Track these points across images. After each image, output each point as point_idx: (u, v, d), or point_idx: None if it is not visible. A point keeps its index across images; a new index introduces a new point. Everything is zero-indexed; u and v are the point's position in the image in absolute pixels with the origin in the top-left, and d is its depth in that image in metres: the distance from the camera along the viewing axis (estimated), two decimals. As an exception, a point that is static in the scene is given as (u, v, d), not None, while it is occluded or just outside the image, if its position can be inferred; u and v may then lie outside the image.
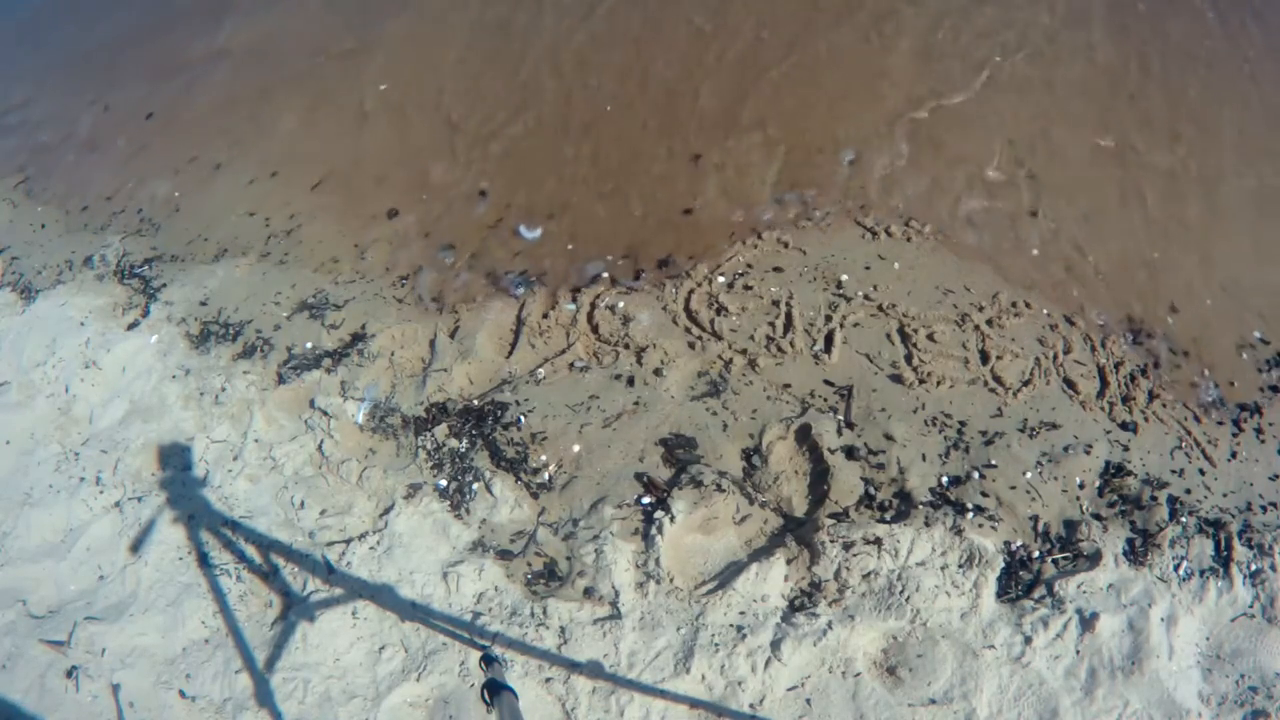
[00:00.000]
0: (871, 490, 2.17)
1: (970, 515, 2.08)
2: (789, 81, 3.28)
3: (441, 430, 2.45)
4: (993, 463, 2.18)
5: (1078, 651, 1.88)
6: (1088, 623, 1.90)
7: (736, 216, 2.89)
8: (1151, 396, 2.33)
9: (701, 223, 2.89)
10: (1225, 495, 2.14)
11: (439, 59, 3.84)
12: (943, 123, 3.06)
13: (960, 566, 2.00)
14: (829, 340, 2.48)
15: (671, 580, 2.07)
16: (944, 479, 2.17)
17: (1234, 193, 2.84)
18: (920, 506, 2.11)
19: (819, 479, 2.22)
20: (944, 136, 3.01)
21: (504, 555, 2.19)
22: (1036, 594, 1.97)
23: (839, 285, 2.62)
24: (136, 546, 2.37)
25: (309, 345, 2.81)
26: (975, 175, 2.90)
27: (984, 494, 2.12)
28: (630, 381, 2.48)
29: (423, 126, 3.58)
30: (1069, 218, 2.77)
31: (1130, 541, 2.04)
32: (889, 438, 2.25)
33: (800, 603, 2.01)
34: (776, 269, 2.69)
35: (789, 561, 2.07)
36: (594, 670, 1.93)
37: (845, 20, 3.46)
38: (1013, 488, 2.13)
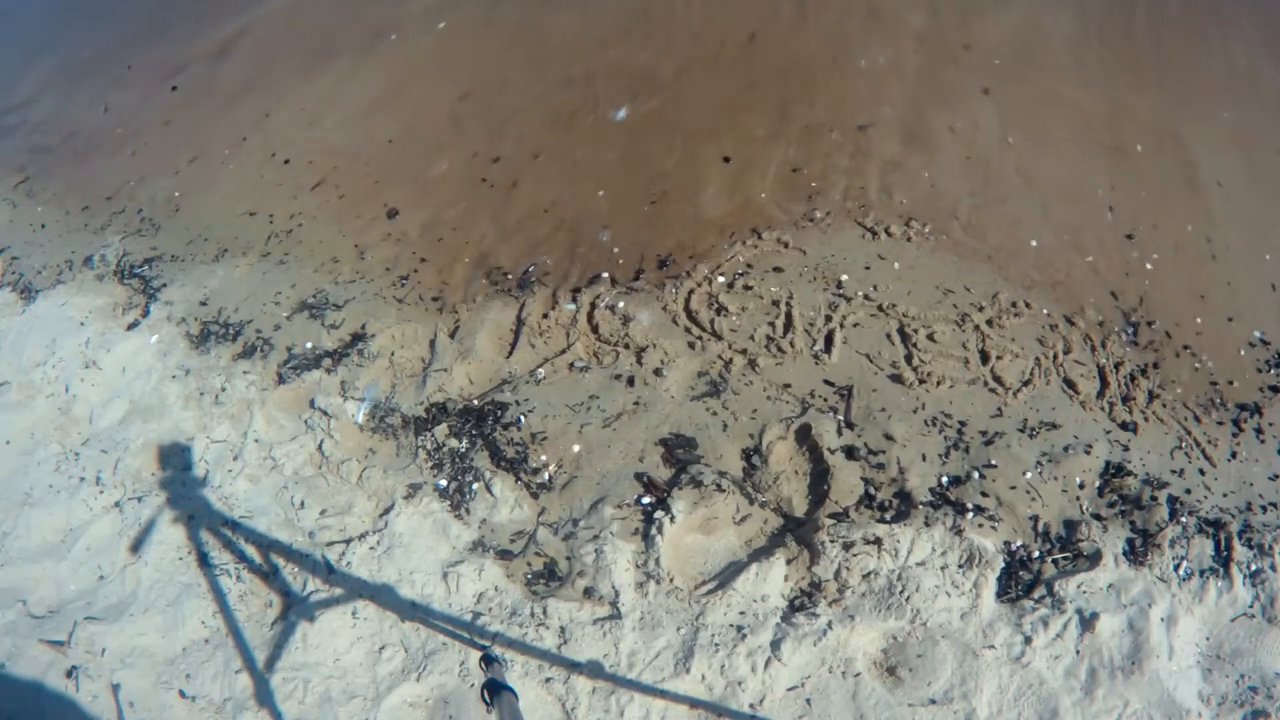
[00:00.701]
0: (871, 490, 2.17)
1: (970, 515, 2.08)
2: (787, 77, 3.28)
3: (441, 430, 2.45)
4: (993, 463, 2.18)
5: (1078, 651, 1.88)
6: (1088, 623, 1.90)
7: (736, 215, 2.89)
8: (1151, 396, 2.33)
9: (702, 221, 2.90)
10: (1225, 495, 2.13)
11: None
12: (943, 120, 3.06)
13: (960, 566, 2.00)
14: (829, 340, 2.48)
15: (671, 580, 2.07)
16: (944, 479, 2.17)
17: (1234, 188, 2.84)
18: (920, 506, 2.11)
19: (819, 479, 2.22)
20: (944, 134, 3.02)
21: (504, 555, 2.19)
22: (1036, 594, 1.97)
23: (839, 285, 2.62)
24: (136, 546, 2.37)
25: (309, 345, 2.81)
26: (975, 174, 2.90)
27: (984, 494, 2.12)
28: (630, 381, 2.48)
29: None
30: (1068, 216, 2.77)
31: (1130, 541, 2.04)
32: (889, 438, 2.25)
33: (800, 603, 2.00)
34: (776, 269, 2.69)
35: (789, 561, 2.07)
36: (594, 670, 1.93)
37: (841, 16, 3.47)
38: (1013, 488, 2.13)
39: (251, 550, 2.31)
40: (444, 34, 3.98)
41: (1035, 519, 2.09)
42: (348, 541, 2.26)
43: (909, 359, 2.42)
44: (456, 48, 3.91)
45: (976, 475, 2.16)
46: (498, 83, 3.63)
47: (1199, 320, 2.51)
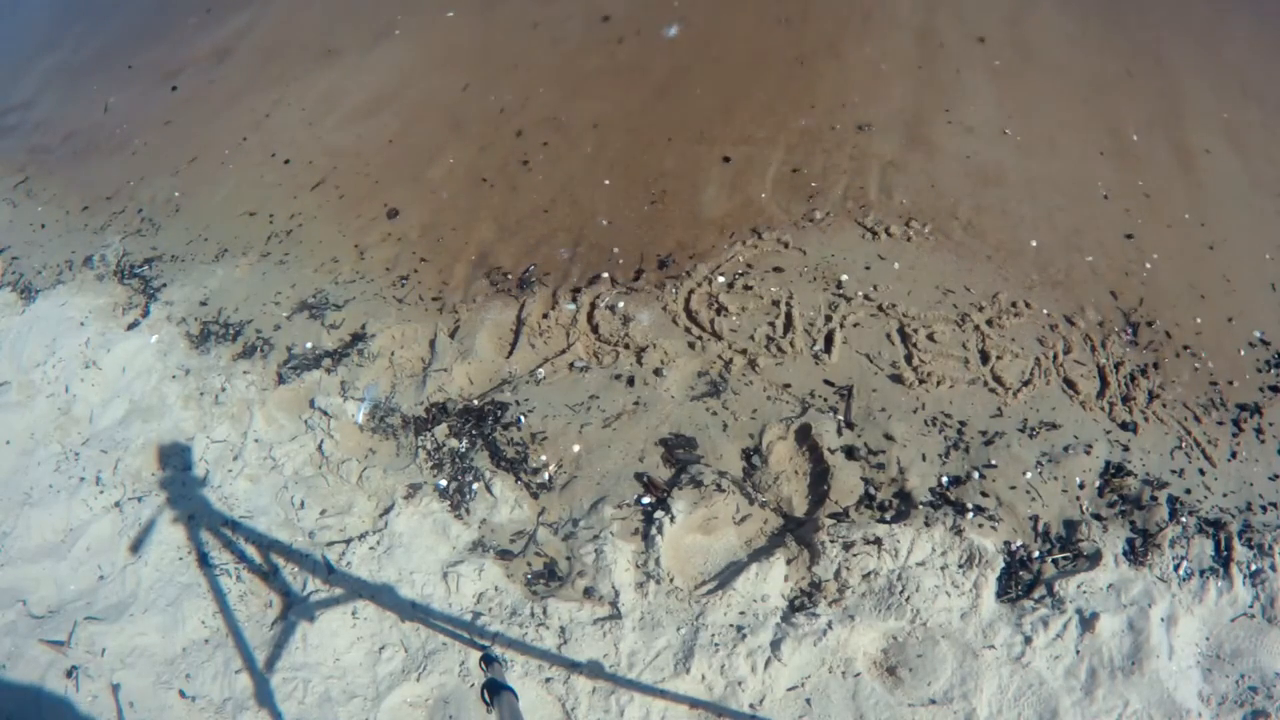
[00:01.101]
0: (871, 490, 2.17)
1: (970, 515, 2.08)
2: (788, 77, 3.28)
3: (441, 430, 2.45)
4: (993, 463, 2.18)
5: (1078, 651, 1.88)
6: (1088, 623, 1.90)
7: (736, 215, 2.89)
8: (1151, 396, 2.33)
9: (702, 221, 2.90)
10: (1225, 495, 2.13)
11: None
12: (942, 120, 3.06)
13: (960, 566, 2.00)
14: (829, 340, 2.48)
15: (671, 580, 2.07)
16: (944, 479, 2.17)
17: (1232, 187, 2.84)
18: (920, 506, 2.11)
19: (819, 479, 2.22)
20: (944, 134, 3.02)
21: (504, 555, 2.19)
22: (1036, 594, 1.97)
23: (839, 285, 2.62)
24: (136, 546, 2.37)
25: (309, 345, 2.81)
26: (975, 174, 2.90)
27: (984, 494, 2.12)
28: (630, 381, 2.48)
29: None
30: (1068, 217, 2.77)
31: (1130, 541, 2.04)
32: (889, 438, 2.25)
33: (800, 603, 2.01)
34: (776, 269, 2.69)
35: (789, 561, 2.07)
36: (594, 670, 1.93)
37: (838, 19, 3.47)
38: (1013, 488, 2.13)
39: (251, 550, 2.31)
40: (452, 21, 3.98)
41: (1035, 519, 2.09)
42: (348, 541, 2.26)
43: (909, 359, 2.42)
44: (465, 35, 3.91)
45: (976, 475, 2.16)
46: (507, 66, 3.64)
47: (1199, 320, 2.50)
